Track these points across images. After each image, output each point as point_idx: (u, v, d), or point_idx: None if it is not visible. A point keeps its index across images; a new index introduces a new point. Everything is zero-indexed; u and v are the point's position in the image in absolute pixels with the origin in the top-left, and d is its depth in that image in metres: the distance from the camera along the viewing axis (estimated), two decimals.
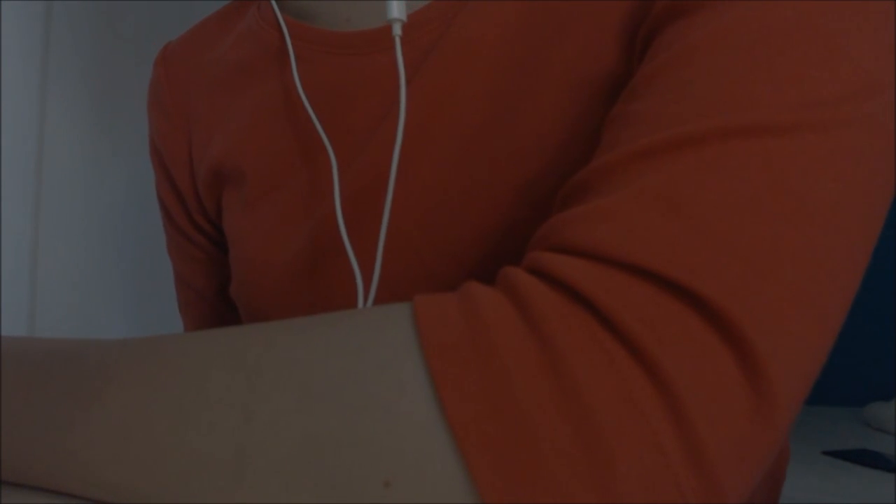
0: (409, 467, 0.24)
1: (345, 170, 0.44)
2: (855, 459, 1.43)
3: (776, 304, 0.25)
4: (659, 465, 0.23)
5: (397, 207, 0.41)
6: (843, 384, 1.97)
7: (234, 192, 0.50)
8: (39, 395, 0.29)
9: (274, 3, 0.47)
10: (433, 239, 0.41)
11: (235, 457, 0.25)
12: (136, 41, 1.07)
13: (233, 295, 0.51)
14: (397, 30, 0.38)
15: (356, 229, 0.43)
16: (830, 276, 0.26)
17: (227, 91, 0.51)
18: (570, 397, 0.23)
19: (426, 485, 0.24)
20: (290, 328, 0.28)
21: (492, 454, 0.23)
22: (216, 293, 0.57)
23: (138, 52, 1.08)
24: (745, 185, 0.25)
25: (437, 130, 0.40)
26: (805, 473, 1.32)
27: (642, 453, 0.23)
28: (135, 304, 1.10)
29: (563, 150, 0.38)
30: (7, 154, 0.92)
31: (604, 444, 0.23)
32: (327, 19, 0.46)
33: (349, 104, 0.44)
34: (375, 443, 0.24)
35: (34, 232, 0.96)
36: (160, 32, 1.12)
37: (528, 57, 0.39)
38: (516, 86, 0.39)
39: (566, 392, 0.23)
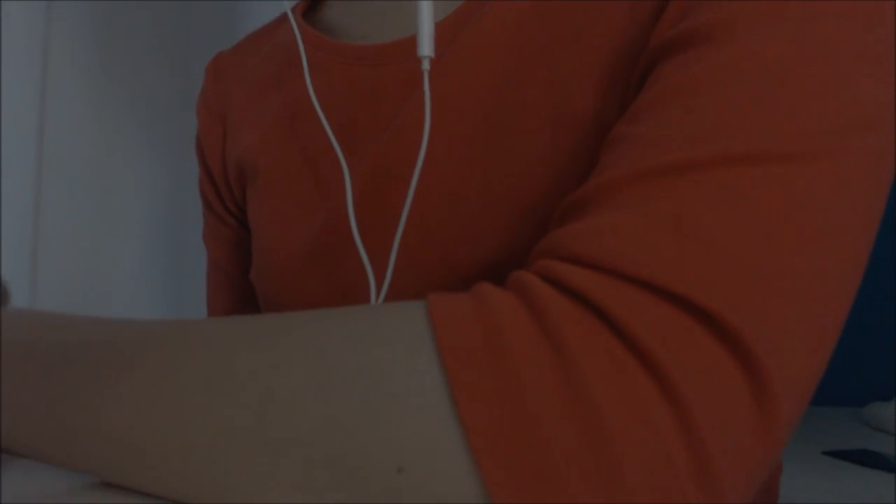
0: (422, 457, 0.25)
1: (350, 171, 0.47)
2: (855, 459, 1.43)
3: (782, 322, 0.26)
4: (665, 472, 0.24)
5: (397, 210, 0.44)
6: (843, 384, 1.97)
7: (253, 187, 0.54)
8: (72, 372, 0.30)
9: (291, 16, 0.51)
10: (430, 242, 0.43)
11: (257, 426, 0.26)
12: (136, 41, 1.07)
13: (251, 279, 0.55)
14: (426, 65, 0.40)
15: (359, 226, 0.45)
16: (831, 295, 0.27)
17: (257, 95, 0.56)
18: (581, 403, 0.24)
19: (437, 476, 0.24)
20: (311, 317, 0.29)
21: (502, 455, 0.24)
22: (243, 274, 0.61)
23: (138, 51, 1.08)
24: (749, 209, 0.26)
25: (436, 141, 0.42)
26: (805, 473, 1.32)
27: (650, 460, 0.24)
28: (135, 304, 1.10)
29: (551, 167, 0.39)
30: (7, 153, 0.92)
31: (612, 449, 0.23)
32: (345, 35, 0.52)
33: (359, 110, 0.48)
34: (391, 430, 0.25)
35: (34, 232, 0.96)
36: (160, 32, 1.13)
37: (524, 77, 0.41)
38: (508, 108, 0.41)
39: (577, 397, 0.24)
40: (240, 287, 0.62)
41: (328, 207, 0.47)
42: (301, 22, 0.53)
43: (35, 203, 0.96)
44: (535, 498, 0.23)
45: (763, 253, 0.26)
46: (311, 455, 0.25)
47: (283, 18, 0.59)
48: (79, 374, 0.30)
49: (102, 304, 1.05)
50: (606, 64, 0.38)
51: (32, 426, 0.30)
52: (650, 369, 0.24)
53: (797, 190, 0.27)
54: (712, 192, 0.27)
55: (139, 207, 1.11)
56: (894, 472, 1.34)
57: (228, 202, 0.59)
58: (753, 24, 0.29)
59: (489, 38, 0.43)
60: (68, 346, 0.31)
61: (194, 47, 1.14)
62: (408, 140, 0.44)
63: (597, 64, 0.39)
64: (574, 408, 0.24)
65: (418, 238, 0.43)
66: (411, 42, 0.45)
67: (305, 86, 0.49)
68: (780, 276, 0.26)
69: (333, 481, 0.25)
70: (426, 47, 0.40)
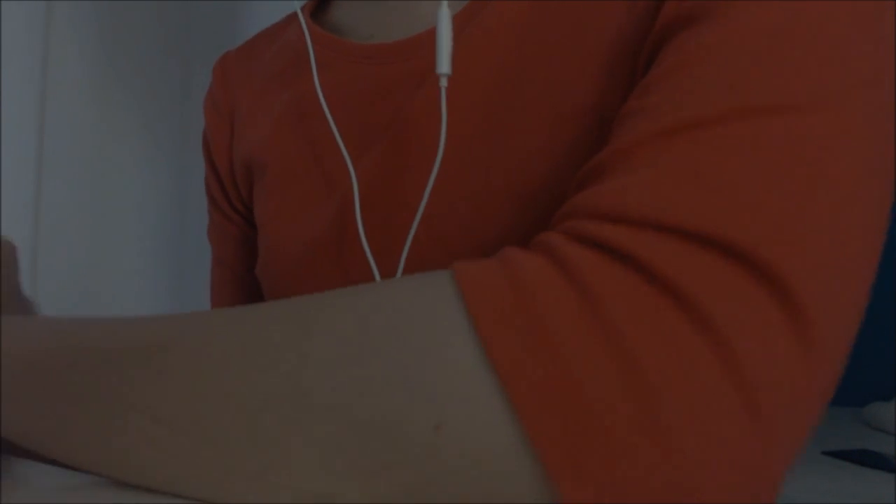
0: (459, 412, 0.25)
1: (355, 163, 0.47)
2: (855, 459, 1.43)
3: (813, 252, 0.26)
4: (710, 409, 0.23)
5: (402, 206, 0.45)
6: (843, 384, 1.97)
7: (259, 183, 0.55)
8: (103, 369, 0.30)
9: (300, 14, 0.52)
10: (437, 238, 0.44)
11: (293, 393, 0.26)
12: (136, 41, 1.07)
13: (257, 274, 0.56)
14: (444, 82, 0.41)
15: (364, 222, 0.46)
16: (857, 233, 0.27)
17: (265, 93, 0.57)
18: (614, 344, 0.24)
19: (476, 430, 0.24)
20: (339, 293, 0.29)
21: (540, 402, 0.24)
22: (248, 271, 0.61)
23: (139, 51, 1.08)
24: (765, 155, 0.27)
25: (437, 128, 0.43)
26: (805, 473, 1.31)
27: (692, 398, 0.23)
28: (135, 304, 1.10)
29: (552, 160, 0.40)
30: (7, 154, 0.92)
31: (649, 385, 0.23)
32: (353, 35, 0.52)
33: (365, 107, 0.48)
34: (425, 388, 0.25)
35: (34, 232, 0.96)
36: (161, 32, 1.12)
37: (525, 74, 0.42)
38: (509, 105, 0.42)
39: (610, 339, 0.24)
40: (244, 284, 0.63)
41: (335, 205, 0.48)
42: (309, 21, 0.53)
43: (35, 203, 0.96)
44: (577, 443, 0.23)
45: (784, 191, 0.26)
46: (348, 420, 0.25)
47: (290, 19, 0.60)
48: (110, 370, 0.30)
49: (102, 304, 1.04)
50: (605, 59, 0.39)
51: (68, 433, 0.30)
52: (683, 307, 0.24)
53: (809, 137, 0.27)
54: (727, 143, 0.27)
55: (139, 207, 1.11)
56: (894, 472, 1.34)
57: (234, 200, 0.60)
58: None
59: (491, 36, 0.44)
60: (90, 346, 0.31)
61: (195, 47, 1.14)
62: (414, 137, 0.45)
63: (596, 60, 0.39)
64: (608, 349, 0.24)
65: (426, 234, 0.43)
66: (417, 41, 0.47)
67: (313, 84, 0.49)
68: (804, 212, 0.26)
69: (371, 446, 0.25)
70: (444, 65, 0.41)
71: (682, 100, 0.29)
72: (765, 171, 0.26)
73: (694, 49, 0.31)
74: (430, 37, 0.45)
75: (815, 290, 0.25)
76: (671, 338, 0.24)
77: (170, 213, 1.12)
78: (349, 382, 0.26)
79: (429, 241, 0.44)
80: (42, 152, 0.96)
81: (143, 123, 1.10)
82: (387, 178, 0.46)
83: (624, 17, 0.39)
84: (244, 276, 0.62)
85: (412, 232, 0.42)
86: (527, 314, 0.25)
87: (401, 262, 0.43)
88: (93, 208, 1.04)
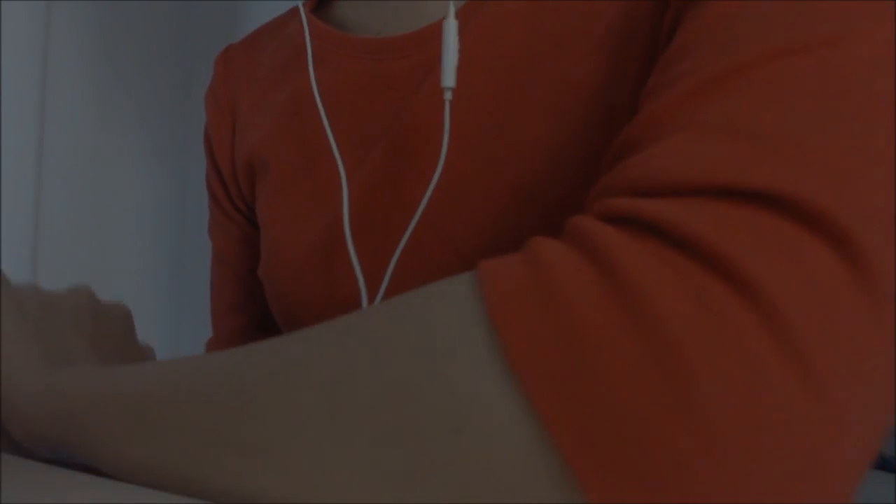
0: (480, 414, 0.23)
1: (356, 165, 0.47)
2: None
3: (867, 188, 0.23)
4: (755, 384, 0.20)
5: (402, 206, 0.44)
6: None
7: (262, 182, 0.54)
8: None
9: (301, 8, 0.51)
10: (441, 237, 0.43)
11: (328, 413, 0.26)
12: (136, 41, 1.07)
13: (260, 275, 0.55)
14: (448, 95, 0.40)
15: (366, 226, 0.46)
16: None
17: (265, 89, 0.55)
18: (639, 324, 0.21)
19: (497, 431, 0.23)
20: (369, 310, 0.29)
21: (557, 394, 0.22)
22: (249, 270, 0.60)
23: (139, 51, 1.08)
24: (799, 95, 0.24)
25: (438, 130, 0.43)
26: None
27: (732, 372, 0.20)
28: (135, 305, 1.10)
29: (556, 155, 0.40)
30: (7, 154, 0.92)
31: (684, 366, 0.20)
32: (358, 32, 0.50)
33: (364, 103, 0.47)
34: (446, 391, 0.24)
35: (34, 232, 0.96)
36: (161, 32, 1.12)
37: (527, 69, 0.42)
38: (512, 101, 0.42)
39: (635, 320, 0.21)
40: (245, 283, 0.62)
41: (333, 207, 0.47)
42: (310, 17, 0.52)
43: (35, 203, 0.96)
44: (602, 438, 0.21)
45: (828, 130, 0.23)
46: (380, 427, 0.25)
47: (293, 13, 0.59)
48: (200, 408, 0.29)
49: None
50: (608, 47, 0.39)
51: (166, 468, 0.30)
52: (721, 274, 0.21)
53: (841, 70, 0.25)
54: (757, 90, 0.25)
55: (139, 207, 1.11)
56: (894, 472, 1.34)
57: (236, 198, 0.59)
58: None
59: (492, 32, 0.43)
60: (184, 388, 0.31)
61: (195, 47, 1.14)
62: (416, 135, 0.44)
63: (598, 49, 0.39)
64: (635, 334, 0.21)
65: (430, 233, 0.43)
66: (420, 36, 0.46)
67: (310, 80, 0.48)
68: (854, 148, 0.23)
69: (397, 453, 0.24)
70: (450, 78, 0.40)
71: (704, 59, 0.27)
72: (796, 113, 0.24)
73: (710, 13, 0.29)
74: (434, 31, 0.45)
75: (879, 238, 0.22)
76: (708, 310, 0.21)
77: (170, 212, 1.12)
78: (374, 390, 0.25)
79: (437, 241, 0.43)
80: (42, 152, 0.96)
81: (142, 123, 1.09)
82: (388, 179, 0.45)
83: (625, 4, 0.38)
84: (245, 276, 0.62)
85: (407, 234, 0.42)
86: (547, 309, 0.23)
87: (387, 275, 0.42)
88: (93, 208, 1.04)
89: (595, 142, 0.38)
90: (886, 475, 1.32)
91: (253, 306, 0.62)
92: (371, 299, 0.44)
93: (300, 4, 0.52)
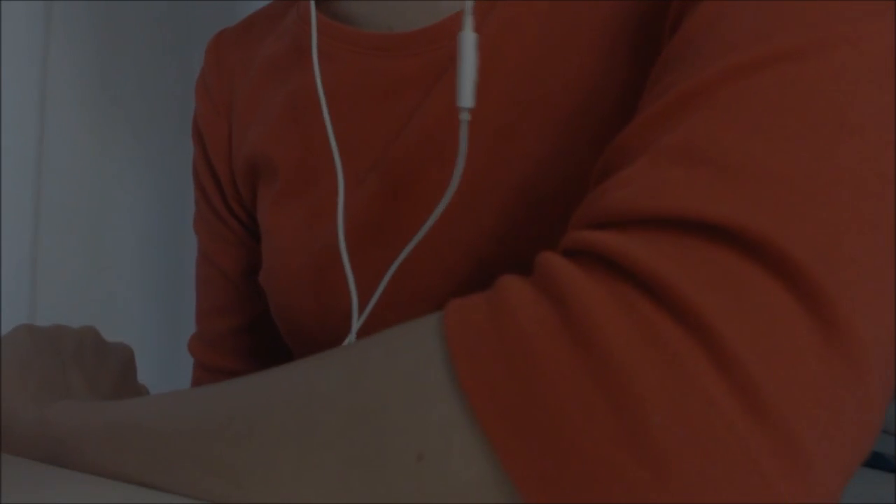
0: (438, 442, 0.23)
1: (366, 172, 0.45)
2: None
3: (826, 221, 0.22)
4: (700, 407, 0.20)
5: (409, 213, 0.43)
6: None
7: (266, 186, 0.51)
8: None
9: (312, 2, 0.47)
10: (454, 241, 0.42)
11: (299, 433, 0.26)
12: (137, 42, 1.07)
13: (261, 282, 0.53)
14: (465, 116, 0.37)
15: (371, 237, 0.44)
16: (880, 188, 0.22)
17: (264, 84, 0.52)
18: (585, 349, 0.21)
19: (454, 460, 0.23)
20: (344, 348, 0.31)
21: (511, 425, 0.22)
22: (240, 275, 0.59)
23: (139, 53, 1.08)
24: (765, 115, 0.23)
25: (454, 139, 0.41)
26: None
27: (680, 404, 0.20)
28: (135, 304, 1.10)
29: (575, 160, 0.39)
30: (7, 154, 0.92)
31: (634, 398, 0.20)
32: (367, 26, 0.47)
33: (371, 104, 0.45)
34: (406, 418, 0.24)
35: (34, 232, 0.96)
36: (161, 34, 1.12)
37: (539, 72, 0.40)
38: (525, 105, 0.40)
39: (581, 345, 0.21)
40: (235, 286, 0.60)
41: (345, 213, 0.46)
42: (309, 9, 0.49)
43: (35, 205, 0.96)
44: (555, 470, 0.21)
45: (781, 154, 0.22)
46: (342, 454, 0.25)
47: (289, 3, 0.55)
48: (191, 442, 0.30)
49: (102, 306, 1.04)
50: (625, 54, 0.38)
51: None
52: (665, 302, 0.21)
53: (804, 86, 0.23)
54: (717, 111, 0.24)
55: (139, 210, 1.10)
56: (894, 472, 1.34)
57: (232, 200, 0.56)
58: None
59: (505, 36, 0.41)
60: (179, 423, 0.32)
61: (195, 48, 1.14)
62: (426, 142, 0.42)
63: (615, 54, 0.38)
64: (584, 362, 0.21)
65: (444, 238, 0.42)
66: (432, 32, 0.43)
67: (313, 78, 0.46)
68: (817, 176, 0.22)
69: (361, 477, 0.25)
70: (468, 98, 0.36)
71: (674, 79, 0.27)
72: (759, 134, 0.23)
73: (689, 25, 0.29)
74: (448, 28, 0.43)
75: (838, 272, 0.21)
76: (657, 346, 0.21)
77: (169, 216, 1.12)
78: (342, 415, 0.26)
79: (450, 245, 0.42)
80: (42, 153, 0.96)
81: (143, 125, 1.09)
82: (400, 183, 0.44)
83: (641, 4, 0.37)
84: (236, 280, 0.59)
85: (410, 246, 0.41)
86: (503, 345, 0.23)
87: (381, 287, 0.42)
88: (92, 210, 1.04)
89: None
90: (886, 475, 1.32)
91: (242, 310, 0.60)
92: (361, 312, 0.43)
93: None
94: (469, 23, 0.36)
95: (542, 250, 0.26)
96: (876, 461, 1.41)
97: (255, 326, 0.59)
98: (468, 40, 0.36)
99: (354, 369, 0.27)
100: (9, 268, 0.93)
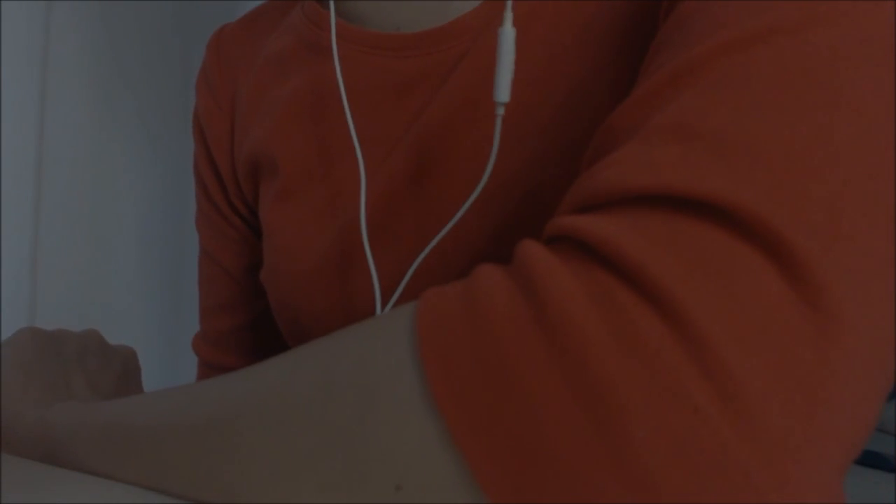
0: (417, 471, 0.23)
1: (375, 169, 0.44)
2: (855, 459, 1.43)
3: (821, 199, 0.20)
4: (685, 417, 0.19)
5: (424, 213, 0.42)
6: None
7: (269, 184, 0.51)
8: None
9: (332, 2, 0.47)
10: (462, 243, 0.42)
11: (277, 448, 0.26)
12: (137, 42, 1.07)
13: (263, 280, 0.52)
14: (500, 110, 0.37)
15: (383, 233, 0.44)
16: (878, 166, 0.21)
17: (267, 82, 0.52)
18: (559, 349, 0.20)
19: (434, 489, 0.22)
20: (325, 338, 0.28)
21: (486, 441, 0.21)
22: (243, 272, 0.58)
23: (140, 52, 1.08)
24: (758, 90, 0.22)
25: (464, 140, 0.41)
26: None
27: (661, 406, 0.19)
28: (135, 304, 1.10)
29: (575, 156, 0.39)
30: (7, 154, 0.92)
31: (609, 403, 0.19)
32: (376, 26, 0.46)
33: (381, 103, 0.45)
34: (383, 447, 0.23)
35: (34, 232, 0.96)
36: (161, 33, 1.12)
37: (547, 80, 0.40)
38: (534, 107, 0.40)
39: (555, 344, 0.20)
40: (238, 284, 0.59)
41: (349, 211, 0.46)
42: (316, 6, 0.49)
43: (35, 203, 0.96)
44: (535, 492, 0.20)
45: (774, 130, 0.21)
46: (321, 478, 0.25)
47: (293, 1, 0.55)
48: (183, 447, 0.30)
49: (102, 306, 1.04)
50: (635, 52, 0.37)
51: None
52: (641, 289, 0.20)
53: (799, 60, 0.22)
54: (708, 87, 0.23)
55: (139, 209, 1.11)
56: (894, 472, 1.34)
57: (234, 197, 0.56)
58: None
59: (517, 35, 0.41)
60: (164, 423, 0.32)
61: (196, 47, 1.14)
62: (437, 139, 0.42)
63: (624, 53, 0.38)
64: (560, 369, 0.20)
65: (452, 241, 0.41)
66: (442, 32, 0.43)
67: (320, 75, 0.46)
68: (808, 150, 0.21)
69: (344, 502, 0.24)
70: (505, 93, 0.36)
71: (662, 61, 0.26)
72: (752, 109, 0.22)
73: (679, 11, 0.28)
74: (458, 28, 0.43)
75: (831, 253, 0.20)
76: (634, 345, 0.19)
77: (169, 215, 1.12)
78: (318, 437, 0.25)
79: (458, 248, 0.42)
80: (42, 152, 0.96)
81: (143, 124, 1.09)
82: (409, 184, 0.43)
83: (649, 5, 0.37)
84: (238, 278, 0.59)
85: (431, 244, 0.40)
86: (476, 346, 0.22)
87: (403, 282, 0.41)
88: (93, 208, 1.04)
89: None
90: (886, 475, 1.32)
91: (245, 308, 0.60)
92: (384, 306, 0.43)
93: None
94: (509, 18, 0.36)
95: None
96: (876, 461, 1.41)
97: (258, 324, 0.59)
98: (508, 36, 0.35)
99: (328, 379, 0.26)
100: (9, 268, 0.93)
